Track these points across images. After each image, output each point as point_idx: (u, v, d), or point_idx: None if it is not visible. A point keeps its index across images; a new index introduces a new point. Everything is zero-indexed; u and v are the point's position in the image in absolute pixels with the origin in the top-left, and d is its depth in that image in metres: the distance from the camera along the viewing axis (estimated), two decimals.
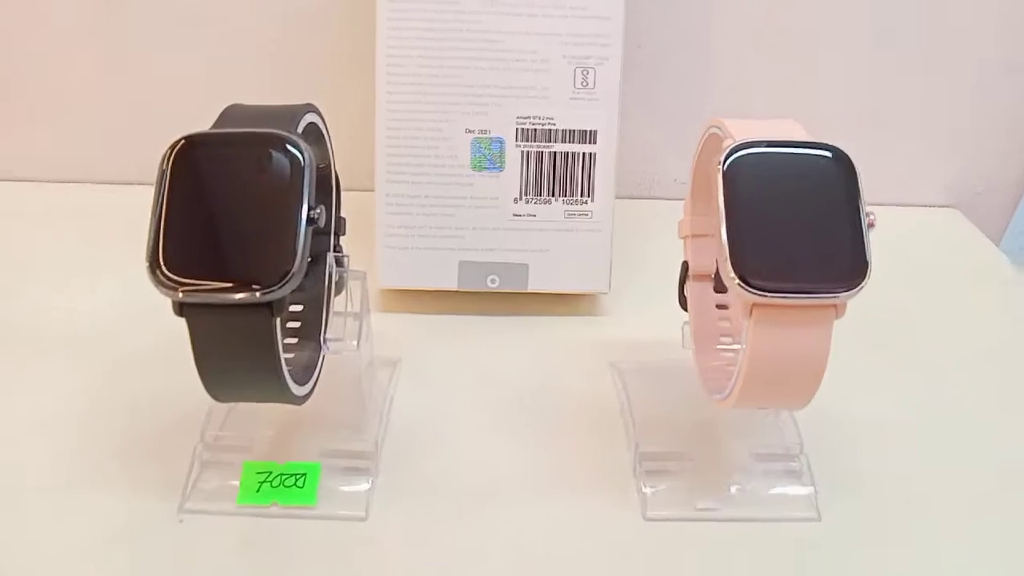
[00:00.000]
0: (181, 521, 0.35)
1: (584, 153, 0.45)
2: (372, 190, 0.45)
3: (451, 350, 0.45)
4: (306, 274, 0.37)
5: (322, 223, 0.29)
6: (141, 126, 0.56)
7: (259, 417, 0.38)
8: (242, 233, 0.28)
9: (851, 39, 0.55)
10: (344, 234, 0.38)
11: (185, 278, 0.28)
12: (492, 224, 0.45)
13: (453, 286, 0.46)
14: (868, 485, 0.37)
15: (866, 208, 0.30)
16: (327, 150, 0.36)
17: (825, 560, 0.34)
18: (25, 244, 0.53)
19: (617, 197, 0.57)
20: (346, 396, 0.38)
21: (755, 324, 0.30)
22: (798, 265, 0.29)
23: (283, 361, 0.30)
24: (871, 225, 0.30)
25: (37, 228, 0.54)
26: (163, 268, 0.28)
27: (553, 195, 0.45)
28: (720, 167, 0.30)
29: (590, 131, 0.44)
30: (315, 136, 0.34)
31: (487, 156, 0.44)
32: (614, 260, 0.47)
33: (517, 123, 0.44)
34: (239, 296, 0.28)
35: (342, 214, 0.38)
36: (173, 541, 0.34)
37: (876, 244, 0.56)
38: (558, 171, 0.45)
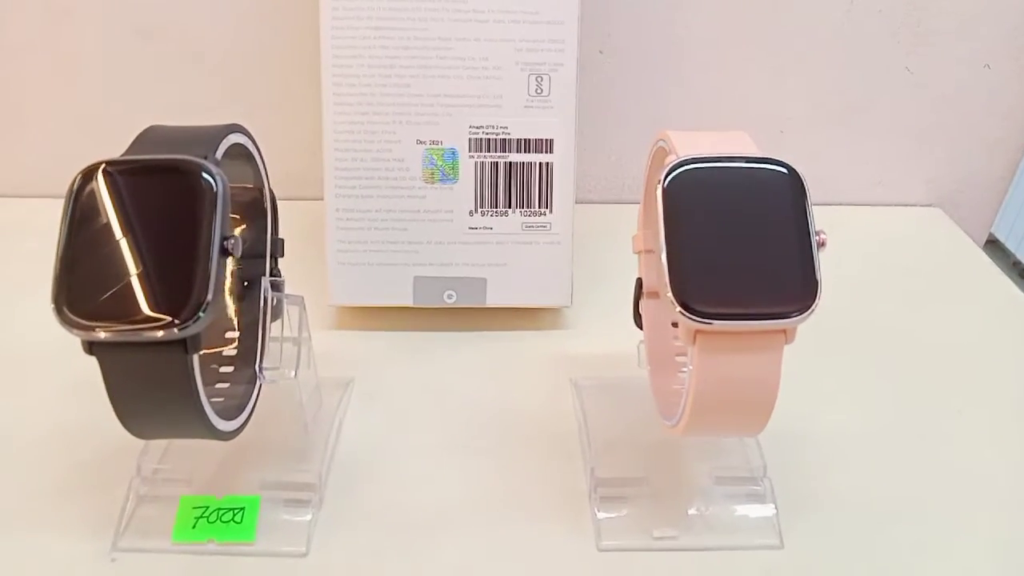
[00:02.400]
0: (113, 560, 0.33)
1: (541, 163, 0.43)
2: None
3: (406, 369, 0.43)
4: (242, 299, 0.36)
5: (239, 252, 0.27)
6: (88, 140, 0.54)
7: (200, 448, 0.36)
8: (151, 266, 0.27)
9: (825, 35, 0.54)
10: (282, 256, 0.36)
11: (94, 316, 0.26)
12: (447, 238, 0.44)
13: (409, 302, 0.44)
14: (835, 508, 0.36)
15: (816, 226, 0.28)
16: (258, 171, 0.34)
17: None
18: None
19: (587, 202, 0.55)
20: (289, 424, 0.36)
21: (700, 352, 0.28)
22: (743, 288, 0.27)
23: (204, 399, 0.28)
24: (822, 244, 0.28)
25: None
26: (68, 306, 0.26)
27: (510, 207, 0.43)
28: (660, 184, 0.28)
29: (546, 140, 0.43)
30: (244, 157, 0.33)
31: (440, 167, 0.43)
32: (579, 270, 0.46)
33: (470, 133, 0.43)
34: (148, 334, 0.26)
35: (280, 235, 0.36)
36: None
37: (853, 245, 0.55)
38: (514, 182, 0.43)
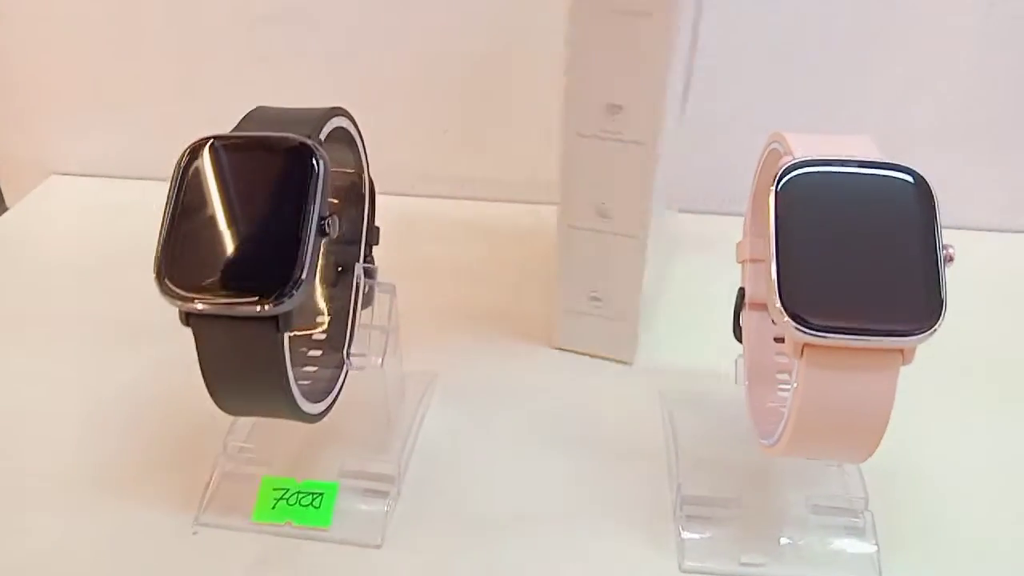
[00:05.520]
0: (195, 533, 0.34)
1: None
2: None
3: (493, 367, 0.42)
4: (334, 284, 0.36)
5: (335, 233, 0.27)
6: (210, 124, 0.56)
7: (284, 430, 0.37)
8: (250, 243, 0.27)
9: (959, 37, 0.49)
10: (377, 244, 0.36)
11: (192, 287, 0.27)
12: None
13: None
14: (941, 551, 0.33)
15: (943, 240, 0.26)
16: (359, 155, 0.34)
17: None
18: (87, 238, 0.53)
19: (691, 212, 0.53)
20: (372, 414, 0.36)
21: (807, 367, 0.26)
22: (859, 301, 0.25)
23: (291, 378, 0.28)
24: (949, 259, 0.26)
25: (101, 222, 0.55)
26: (169, 278, 0.27)
27: None
28: (773, 187, 0.26)
29: None
30: (345, 141, 0.33)
31: None
32: (677, 274, 0.44)
33: None
34: (242, 308, 0.26)
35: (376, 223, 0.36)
36: (184, 554, 0.33)
37: (981, 274, 0.51)
38: None
